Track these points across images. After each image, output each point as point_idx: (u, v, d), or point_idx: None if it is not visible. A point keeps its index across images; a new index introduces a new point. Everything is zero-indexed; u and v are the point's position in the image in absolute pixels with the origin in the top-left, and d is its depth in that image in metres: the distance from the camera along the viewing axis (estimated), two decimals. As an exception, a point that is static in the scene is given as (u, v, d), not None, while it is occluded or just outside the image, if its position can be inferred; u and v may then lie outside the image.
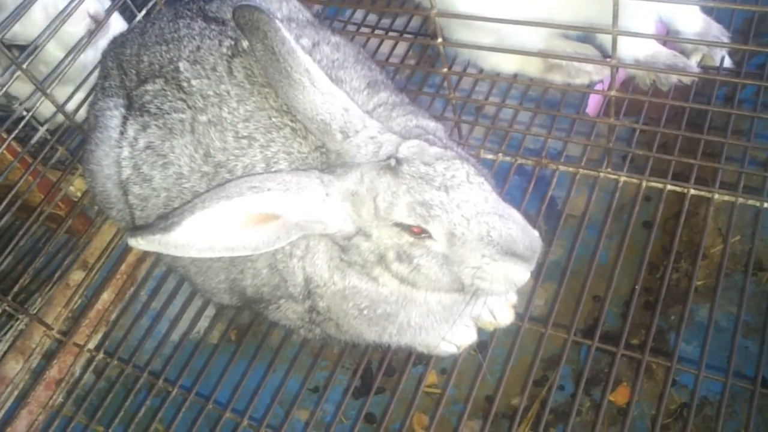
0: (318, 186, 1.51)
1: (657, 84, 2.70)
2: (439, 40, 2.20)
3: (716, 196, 2.31)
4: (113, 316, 2.59)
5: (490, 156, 2.60)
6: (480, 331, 2.20)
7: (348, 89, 1.82)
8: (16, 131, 2.40)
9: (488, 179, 1.58)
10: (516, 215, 1.53)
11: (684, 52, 2.71)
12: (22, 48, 2.33)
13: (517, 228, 1.50)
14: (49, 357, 2.49)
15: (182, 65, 1.87)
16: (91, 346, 2.50)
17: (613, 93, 2.16)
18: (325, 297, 1.71)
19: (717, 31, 2.69)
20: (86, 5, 2.53)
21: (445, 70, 2.35)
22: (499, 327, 2.19)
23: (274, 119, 1.72)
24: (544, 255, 1.63)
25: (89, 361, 2.48)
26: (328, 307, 1.74)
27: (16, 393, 2.43)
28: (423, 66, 3.06)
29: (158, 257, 2.56)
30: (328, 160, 1.63)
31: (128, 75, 2.02)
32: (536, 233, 1.55)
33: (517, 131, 2.62)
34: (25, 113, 2.45)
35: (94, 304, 2.57)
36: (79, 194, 2.76)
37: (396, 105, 1.86)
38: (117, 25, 2.82)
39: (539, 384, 2.38)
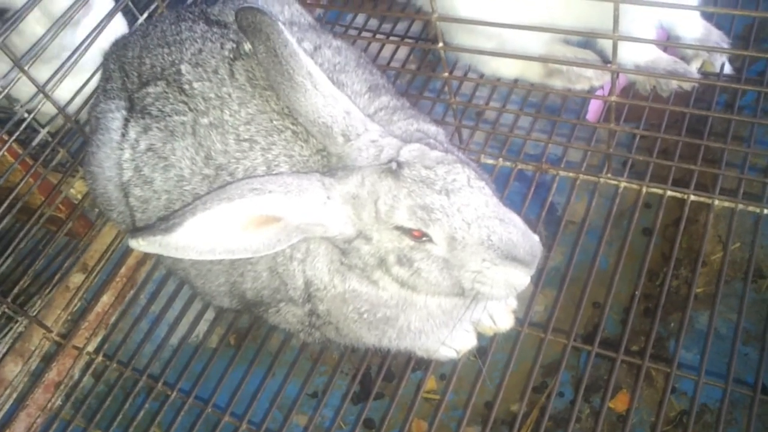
0: (319, 189, 1.51)
1: (657, 90, 2.70)
2: (440, 44, 2.21)
3: (716, 202, 2.31)
4: (113, 319, 2.59)
5: (490, 161, 2.60)
6: (480, 336, 2.20)
7: (349, 93, 1.82)
8: (17, 133, 2.40)
9: (488, 184, 1.58)
10: (516, 220, 1.53)
11: (684, 58, 2.72)
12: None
13: (517, 232, 1.50)
14: (48, 360, 2.48)
15: (184, 68, 1.87)
16: (90, 349, 2.49)
17: (613, 99, 2.16)
18: (325, 300, 1.71)
19: (717, 37, 2.69)
20: None
21: (446, 74, 2.36)
22: (498, 332, 2.19)
23: (275, 122, 1.73)
24: (544, 261, 1.63)
25: (88, 364, 2.47)
26: (328, 311, 1.74)
27: (14, 395, 2.42)
28: (424, 70, 3.07)
29: (158, 260, 2.56)
30: (329, 163, 1.64)
31: (130, 77, 2.03)
32: (537, 238, 1.55)
33: (518, 136, 2.62)
34: (26, 115, 2.45)
35: (94, 306, 2.57)
36: (79, 197, 2.76)
37: (397, 109, 1.86)
38: (119, 26, 2.82)
39: (539, 390, 2.37)
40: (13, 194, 2.40)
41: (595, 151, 2.51)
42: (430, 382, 2.44)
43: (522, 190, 2.53)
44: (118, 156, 1.93)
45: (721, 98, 2.73)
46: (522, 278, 1.53)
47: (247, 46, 1.82)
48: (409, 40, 3.15)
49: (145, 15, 2.87)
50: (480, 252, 1.47)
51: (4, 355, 2.46)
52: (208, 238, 1.43)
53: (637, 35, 2.21)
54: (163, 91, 1.89)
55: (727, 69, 2.69)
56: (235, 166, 1.72)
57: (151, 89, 1.92)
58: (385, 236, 1.51)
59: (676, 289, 2.48)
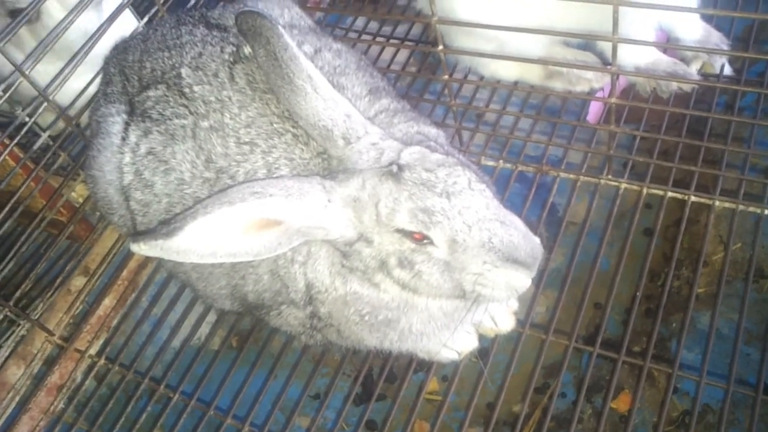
0: (320, 192, 1.51)
1: (657, 91, 2.70)
2: (440, 47, 2.21)
3: (717, 203, 2.32)
4: (114, 322, 2.59)
5: (491, 163, 2.61)
6: (481, 337, 2.20)
7: (350, 96, 1.82)
8: (18, 137, 2.40)
9: (489, 186, 1.58)
10: (517, 222, 1.54)
11: (684, 60, 2.71)
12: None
13: (518, 235, 1.50)
14: (50, 363, 2.49)
15: (184, 71, 1.88)
16: (92, 352, 2.50)
17: (613, 100, 2.16)
18: (327, 303, 1.71)
19: (717, 38, 2.69)
20: None
21: (446, 77, 2.36)
22: (500, 334, 2.20)
23: (275, 125, 1.73)
24: (545, 262, 1.63)
25: (90, 367, 2.48)
26: (329, 313, 1.74)
27: (17, 399, 2.43)
28: (424, 73, 3.07)
29: (159, 263, 2.56)
30: (329, 167, 1.64)
31: (130, 81, 2.03)
32: (537, 240, 1.55)
33: (518, 138, 2.62)
34: (27, 119, 2.46)
35: (96, 310, 2.58)
36: (80, 200, 2.77)
37: (397, 112, 1.87)
38: (130, 24, 2.82)
39: (540, 391, 2.37)
40: (15, 198, 2.40)
41: (595, 153, 2.51)
42: (432, 384, 2.44)
43: (523, 192, 2.53)
44: (119, 160, 1.93)
45: (721, 99, 2.73)
46: (523, 280, 1.53)
47: (247, 50, 1.83)
48: (409, 43, 3.15)
49: (146, 19, 2.87)
50: (481, 254, 1.48)
51: (7, 358, 2.47)
52: (209, 241, 1.44)
53: (636, 37, 2.21)
54: (164, 95, 1.89)
55: (727, 70, 2.69)
56: (235, 169, 1.72)
57: (151, 93, 1.92)
58: (386, 239, 1.52)
59: (677, 289, 2.48)
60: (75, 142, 2.84)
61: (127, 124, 1.96)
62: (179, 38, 1.98)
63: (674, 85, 2.66)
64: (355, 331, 1.76)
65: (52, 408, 2.40)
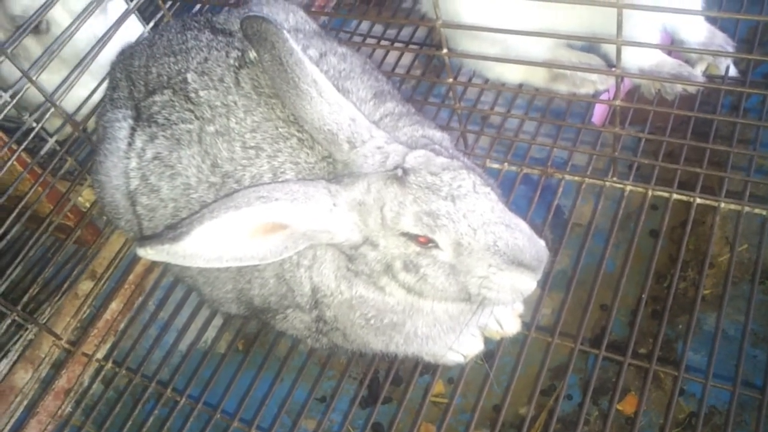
0: (325, 196, 1.51)
1: (662, 93, 2.70)
2: (444, 50, 2.22)
3: (722, 204, 2.31)
4: (121, 326, 2.60)
5: (495, 165, 2.61)
6: (487, 340, 2.20)
7: (355, 99, 1.83)
8: (26, 142, 2.43)
9: (494, 189, 1.58)
10: (522, 225, 1.54)
11: (689, 61, 2.71)
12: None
13: (523, 237, 1.50)
14: (58, 367, 2.50)
15: (190, 76, 1.89)
16: (99, 355, 2.51)
17: (617, 103, 2.16)
18: (332, 306, 1.71)
19: (722, 40, 2.69)
20: None
21: (451, 80, 2.36)
22: (505, 336, 2.19)
23: (281, 129, 1.74)
24: (551, 264, 1.63)
25: (98, 371, 2.49)
26: (335, 317, 1.75)
27: (25, 402, 2.44)
28: (428, 76, 3.07)
29: (166, 267, 2.57)
30: (335, 170, 1.64)
31: (136, 86, 2.04)
32: (543, 243, 1.55)
33: (523, 141, 2.62)
34: (34, 125, 2.47)
35: (103, 314, 2.59)
36: (87, 205, 2.78)
37: (402, 115, 1.87)
38: (136, 29, 2.84)
39: (546, 393, 2.37)
40: (23, 203, 2.42)
41: (600, 155, 2.51)
42: (438, 386, 2.44)
43: (528, 194, 2.54)
44: (125, 165, 1.94)
45: (726, 101, 2.72)
46: (528, 283, 1.53)
47: (253, 55, 1.84)
48: (414, 46, 3.16)
49: (152, 24, 2.89)
50: (486, 257, 1.48)
51: (15, 362, 2.48)
52: (215, 246, 1.44)
53: (641, 39, 2.21)
54: (170, 100, 1.90)
55: (732, 72, 2.68)
56: (241, 174, 1.73)
57: (157, 98, 1.94)
58: (392, 242, 1.52)
59: (683, 291, 2.48)
60: (82, 147, 2.86)
61: (133, 129, 1.97)
62: (185, 43, 1.99)
63: (679, 87, 2.66)
64: (361, 334, 1.76)
65: (59, 412, 2.42)
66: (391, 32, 3.26)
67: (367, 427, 2.22)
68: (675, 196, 2.36)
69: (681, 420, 2.25)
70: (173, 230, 1.42)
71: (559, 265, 2.47)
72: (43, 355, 2.51)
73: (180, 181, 1.83)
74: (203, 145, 1.80)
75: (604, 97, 2.79)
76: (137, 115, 1.99)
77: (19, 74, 2.26)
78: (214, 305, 2.16)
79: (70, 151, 2.69)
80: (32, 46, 2.64)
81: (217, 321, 2.53)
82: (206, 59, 1.91)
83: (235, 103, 1.80)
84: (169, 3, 2.91)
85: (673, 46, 2.73)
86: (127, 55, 2.19)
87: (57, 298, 2.58)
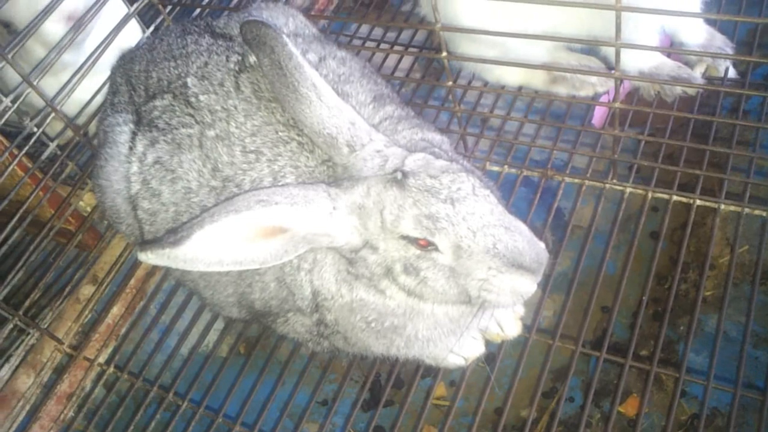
0: (325, 199, 1.52)
1: (662, 95, 2.70)
2: (444, 53, 2.22)
3: (722, 206, 2.31)
4: (123, 330, 2.61)
5: (495, 168, 2.61)
6: (488, 343, 2.20)
7: (354, 103, 1.83)
8: (27, 147, 2.43)
9: (494, 191, 1.59)
10: (522, 227, 1.54)
11: (688, 63, 2.71)
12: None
13: (523, 240, 1.50)
14: (59, 371, 2.50)
15: (190, 81, 1.89)
16: (101, 360, 2.51)
17: (617, 105, 2.16)
18: (333, 310, 1.72)
19: (721, 41, 2.69)
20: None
21: (450, 83, 2.37)
22: (506, 339, 2.20)
23: (281, 133, 1.74)
24: (551, 266, 1.63)
25: (99, 375, 2.49)
26: (335, 320, 1.75)
27: (27, 407, 2.44)
28: (428, 79, 3.08)
29: (167, 271, 2.58)
30: (334, 174, 1.65)
31: (137, 91, 2.05)
32: (543, 245, 1.55)
33: (523, 143, 2.63)
34: (35, 129, 2.48)
35: (104, 318, 2.59)
36: (88, 209, 2.78)
37: (402, 118, 1.87)
38: (134, 34, 2.84)
39: (548, 396, 2.37)
40: (24, 207, 2.43)
41: (600, 157, 2.51)
42: (440, 389, 2.44)
43: (528, 196, 2.54)
44: (126, 169, 1.95)
45: (725, 103, 2.73)
46: (528, 286, 1.53)
47: (252, 59, 1.84)
48: (413, 49, 3.16)
49: (151, 28, 2.90)
50: (486, 260, 1.48)
51: (17, 367, 2.48)
52: (215, 250, 1.45)
53: (640, 41, 2.22)
54: (170, 104, 1.91)
55: (732, 73, 2.68)
56: (241, 178, 1.74)
57: (157, 102, 1.94)
58: (392, 245, 1.52)
59: (684, 292, 2.48)
60: (82, 152, 2.86)
61: (134, 134, 1.98)
62: (185, 48, 1.99)
63: (678, 89, 2.66)
64: (362, 338, 1.76)
65: (61, 416, 2.42)
66: (391, 35, 3.26)
67: (369, 431, 2.21)
68: (675, 197, 2.36)
69: (683, 422, 2.25)
70: (174, 234, 1.42)
71: (560, 267, 2.47)
72: (45, 360, 2.51)
73: (181, 186, 1.84)
74: (204, 150, 1.81)
75: (603, 99, 2.79)
76: (138, 120, 2.00)
77: (15, 80, 2.27)
78: (216, 309, 2.16)
79: (70, 155, 2.69)
80: (36, 49, 2.64)
81: (219, 325, 2.54)
82: (206, 63, 1.91)
83: (236, 107, 1.80)
84: (169, 7, 2.92)
85: (672, 48, 2.74)
86: (127, 59, 2.20)
87: (58, 303, 2.58)
